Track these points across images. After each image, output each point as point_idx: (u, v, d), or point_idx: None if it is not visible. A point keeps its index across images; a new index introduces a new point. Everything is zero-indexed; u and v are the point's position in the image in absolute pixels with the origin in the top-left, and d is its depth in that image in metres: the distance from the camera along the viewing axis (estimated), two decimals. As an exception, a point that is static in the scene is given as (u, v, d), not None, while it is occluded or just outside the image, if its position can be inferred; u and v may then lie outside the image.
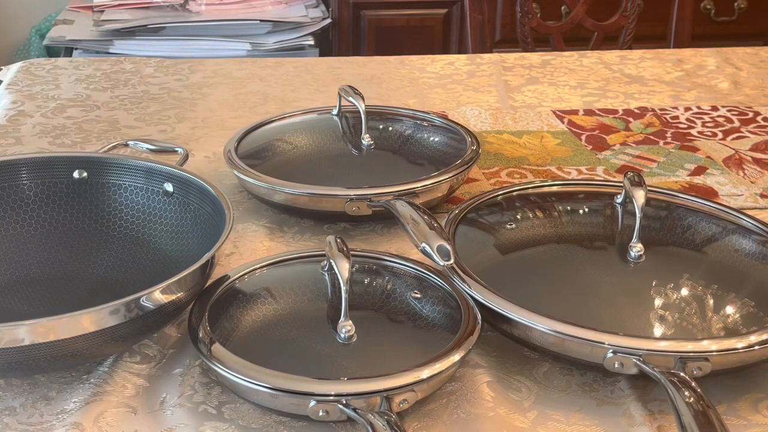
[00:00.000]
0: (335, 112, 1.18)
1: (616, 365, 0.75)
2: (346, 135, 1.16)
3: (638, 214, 0.87)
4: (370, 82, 1.47)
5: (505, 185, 1.09)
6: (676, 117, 1.34)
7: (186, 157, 1.00)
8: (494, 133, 1.26)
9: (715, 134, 1.28)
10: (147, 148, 1.03)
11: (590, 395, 0.78)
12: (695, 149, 1.23)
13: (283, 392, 0.71)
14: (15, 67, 1.54)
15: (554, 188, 1.00)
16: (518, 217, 0.96)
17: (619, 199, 0.95)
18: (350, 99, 1.11)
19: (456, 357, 0.74)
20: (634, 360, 0.74)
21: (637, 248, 0.87)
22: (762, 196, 1.10)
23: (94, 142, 1.23)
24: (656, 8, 2.09)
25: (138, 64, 1.51)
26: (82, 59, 1.59)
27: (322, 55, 2.29)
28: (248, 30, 2.21)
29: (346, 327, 0.77)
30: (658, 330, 0.80)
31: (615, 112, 1.36)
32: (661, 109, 1.37)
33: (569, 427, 0.75)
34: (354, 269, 0.85)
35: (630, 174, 0.91)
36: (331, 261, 0.79)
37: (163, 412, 0.75)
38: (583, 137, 1.26)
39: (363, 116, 1.09)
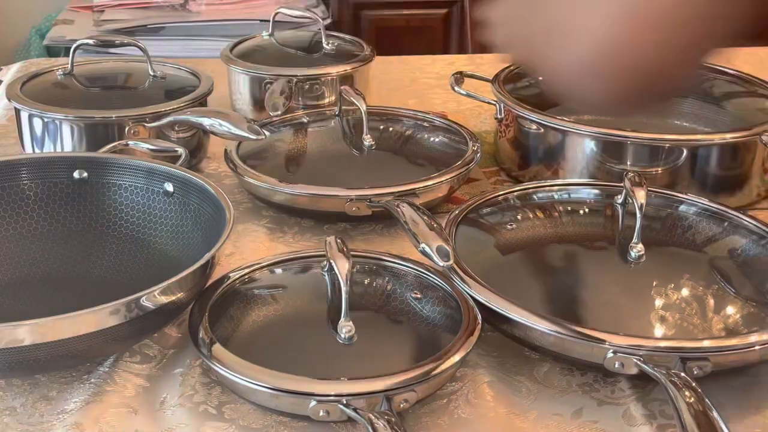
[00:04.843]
0: (336, 112, 1.18)
1: (617, 365, 0.75)
2: (347, 135, 1.16)
3: (639, 214, 0.87)
4: (370, 82, 1.46)
5: (505, 185, 1.10)
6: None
7: (186, 158, 1.00)
8: (494, 133, 1.26)
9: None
10: (147, 148, 1.03)
11: (590, 395, 0.78)
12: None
13: (284, 392, 0.71)
14: (15, 67, 1.54)
15: (554, 188, 1.00)
16: (518, 217, 0.96)
17: (620, 199, 0.95)
18: (351, 99, 1.11)
19: (456, 357, 0.74)
20: (635, 360, 0.74)
21: (637, 248, 0.87)
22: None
23: (94, 142, 1.23)
24: (656, 8, 2.08)
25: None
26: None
27: (322, 55, 2.29)
28: (248, 30, 2.20)
29: (346, 327, 0.77)
30: (658, 330, 0.80)
31: (615, 112, 1.36)
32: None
33: (569, 427, 0.75)
34: (354, 269, 0.85)
35: (630, 174, 0.92)
36: (331, 261, 0.79)
37: (163, 412, 0.75)
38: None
39: (364, 116, 1.09)
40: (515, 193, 0.99)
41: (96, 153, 0.99)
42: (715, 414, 0.68)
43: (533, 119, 1.10)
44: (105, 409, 0.76)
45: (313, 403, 0.71)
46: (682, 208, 0.97)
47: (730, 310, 0.83)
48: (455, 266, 0.83)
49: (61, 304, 0.86)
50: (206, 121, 1.04)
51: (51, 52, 2.35)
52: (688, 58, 0.60)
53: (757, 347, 0.75)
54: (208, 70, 1.23)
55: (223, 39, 2.20)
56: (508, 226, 0.95)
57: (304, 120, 1.18)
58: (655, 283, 0.85)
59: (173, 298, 0.76)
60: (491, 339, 0.84)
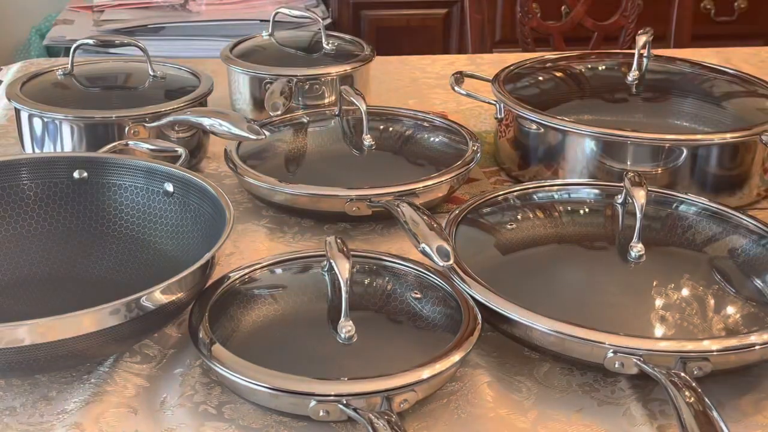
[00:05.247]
0: (336, 112, 1.18)
1: (617, 365, 0.75)
2: (347, 135, 1.16)
3: (638, 214, 0.87)
4: (370, 82, 1.46)
5: (505, 185, 1.10)
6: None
7: (186, 158, 1.00)
8: (494, 133, 1.26)
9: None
10: (147, 148, 1.04)
11: (591, 395, 0.78)
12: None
13: (284, 392, 0.71)
14: (15, 67, 1.54)
15: (554, 188, 1.00)
16: (518, 217, 0.96)
17: (620, 199, 0.95)
18: (351, 99, 1.11)
19: (456, 357, 0.74)
20: (635, 360, 0.74)
21: (637, 248, 0.87)
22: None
23: (94, 142, 1.23)
24: (656, 8, 2.09)
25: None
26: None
27: (322, 55, 2.29)
28: (248, 30, 2.21)
29: (346, 327, 0.77)
30: (658, 330, 0.80)
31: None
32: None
33: (569, 427, 0.75)
34: (354, 270, 0.85)
35: (630, 174, 0.91)
36: (331, 261, 0.79)
37: (163, 412, 0.75)
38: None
39: (364, 116, 1.09)
40: (515, 193, 0.99)
41: (96, 153, 0.99)
42: (715, 414, 0.68)
43: (533, 119, 1.10)
44: (105, 409, 0.76)
45: (313, 403, 0.71)
46: (682, 208, 0.97)
47: (730, 310, 0.83)
48: (455, 266, 0.83)
49: (61, 304, 0.87)
50: (206, 121, 1.04)
51: (51, 52, 2.35)
52: None
53: (757, 347, 0.75)
54: (208, 70, 1.23)
55: (223, 39, 2.21)
56: (508, 226, 0.95)
57: (304, 120, 1.18)
58: (655, 283, 0.85)
59: (173, 298, 0.76)
60: (491, 339, 0.84)
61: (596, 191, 0.99)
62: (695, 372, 0.74)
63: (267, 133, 1.03)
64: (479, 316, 0.79)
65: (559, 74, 1.29)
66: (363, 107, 1.09)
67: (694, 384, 0.71)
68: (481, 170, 1.18)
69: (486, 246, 0.93)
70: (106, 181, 0.95)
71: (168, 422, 0.74)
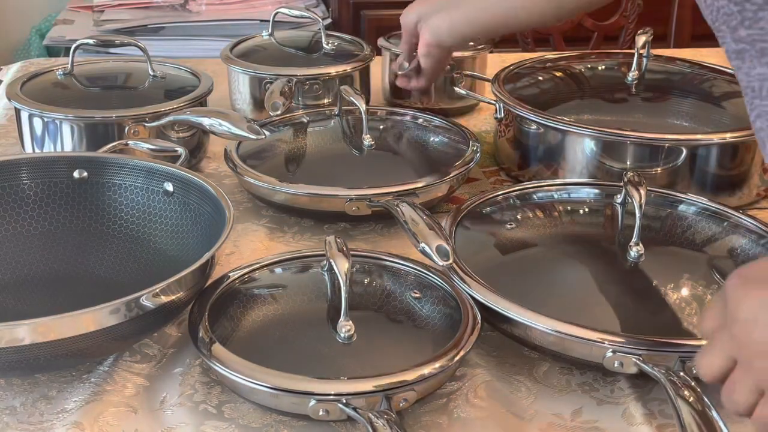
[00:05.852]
0: (336, 111, 1.18)
1: (616, 365, 0.75)
2: (347, 135, 1.16)
3: (638, 214, 0.87)
4: (370, 82, 1.46)
5: (505, 185, 1.10)
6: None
7: (186, 157, 1.00)
8: (494, 132, 1.26)
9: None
10: (147, 148, 1.04)
11: (590, 394, 0.78)
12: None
13: (284, 391, 0.71)
14: (15, 67, 1.54)
15: (554, 188, 1.00)
16: (518, 217, 0.96)
17: (619, 199, 0.95)
18: (351, 99, 1.11)
19: (456, 356, 0.74)
20: (634, 359, 0.74)
21: (637, 248, 0.87)
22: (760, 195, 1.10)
23: (94, 142, 1.23)
24: (656, 8, 2.09)
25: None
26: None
27: (322, 55, 2.29)
28: (248, 30, 2.20)
29: (346, 327, 0.77)
30: (658, 330, 0.80)
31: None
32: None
33: (569, 426, 0.75)
34: (354, 269, 0.85)
35: (630, 174, 0.92)
36: (331, 261, 0.79)
37: (163, 412, 0.75)
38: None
39: (364, 116, 1.09)
40: (515, 193, 0.99)
41: (96, 153, 0.99)
42: (714, 414, 0.68)
43: (533, 119, 1.10)
44: (105, 408, 0.76)
45: (313, 402, 0.71)
46: (682, 208, 0.97)
47: (730, 309, 0.83)
48: (455, 266, 0.83)
49: (61, 303, 0.87)
50: (206, 121, 1.04)
51: (51, 52, 2.35)
52: None
53: (756, 347, 0.75)
54: (208, 70, 1.24)
55: (223, 39, 2.20)
56: (508, 226, 0.95)
57: (304, 120, 1.18)
58: (654, 283, 0.85)
59: (173, 297, 0.76)
60: (491, 339, 0.84)
61: (596, 191, 0.99)
62: (695, 371, 0.74)
63: (267, 133, 1.03)
64: (479, 316, 0.79)
65: (559, 74, 1.29)
66: (363, 107, 1.09)
67: (693, 384, 0.71)
68: (481, 170, 1.18)
69: (486, 246, 0.93)
70: (106, 181, 0.95)
71: (168, 421, 0.74)
